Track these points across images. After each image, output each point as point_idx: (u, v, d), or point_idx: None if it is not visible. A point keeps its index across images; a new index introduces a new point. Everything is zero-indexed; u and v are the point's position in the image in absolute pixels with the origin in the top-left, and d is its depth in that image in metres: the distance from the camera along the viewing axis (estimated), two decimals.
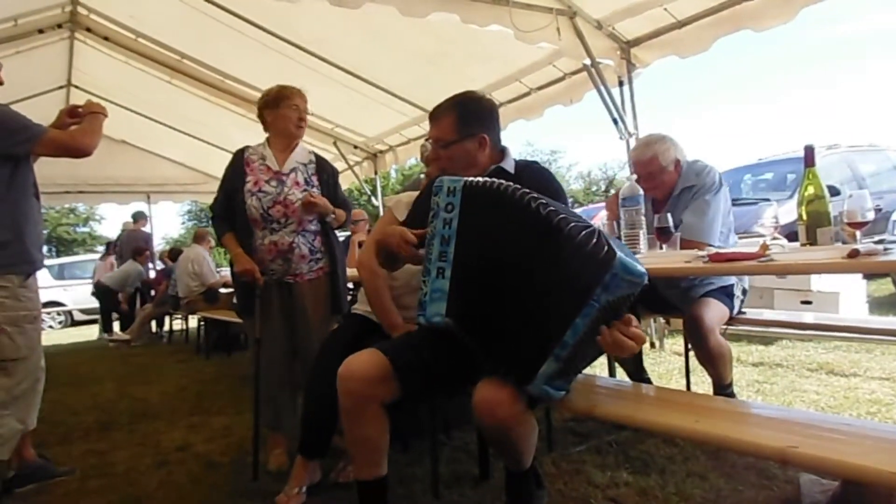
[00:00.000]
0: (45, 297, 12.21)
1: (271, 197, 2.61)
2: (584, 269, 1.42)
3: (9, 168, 2.29)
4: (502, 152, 2.00)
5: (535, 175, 1.92)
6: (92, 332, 9.41)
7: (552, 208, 1.49)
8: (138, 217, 9.35)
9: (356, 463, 1.81)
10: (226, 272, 7.51)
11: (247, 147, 2.75)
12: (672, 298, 2.66)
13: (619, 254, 1.40)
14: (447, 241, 1.57)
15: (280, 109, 2.67)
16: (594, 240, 1.42)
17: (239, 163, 2.70)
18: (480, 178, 1.60)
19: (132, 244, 8.81)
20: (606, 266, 1.39)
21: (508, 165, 1.95)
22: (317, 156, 2.83)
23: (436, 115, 1.95)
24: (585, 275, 1.41)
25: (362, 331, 2.35)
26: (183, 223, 36.17)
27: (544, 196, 1.55)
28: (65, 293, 13.21)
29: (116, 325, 8.70)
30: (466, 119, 1.91)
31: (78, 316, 13.17)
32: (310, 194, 2.62)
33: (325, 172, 2.78)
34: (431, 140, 1.97)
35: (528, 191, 1.53)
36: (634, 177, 2.40)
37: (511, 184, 1.56)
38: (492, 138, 1.94)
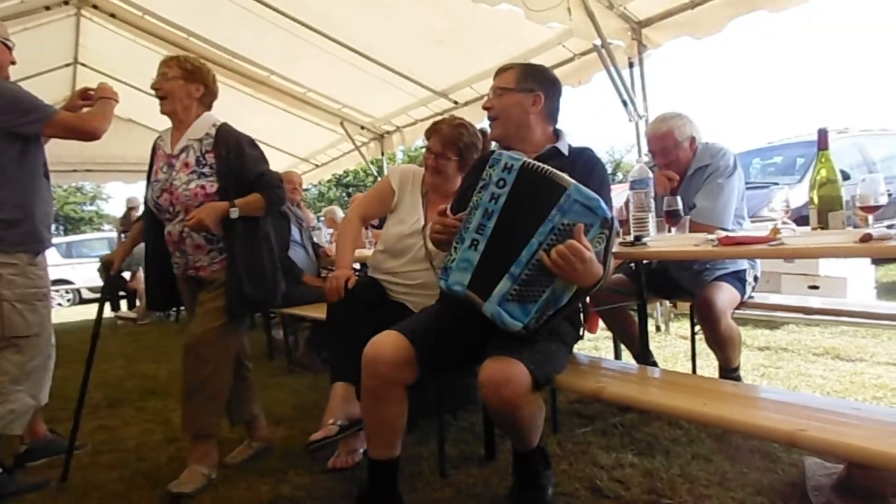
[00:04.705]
0: (53, 275, 12.26)
1: (160, 185, 2.32)
2: (548, 195, 1.53)
3: (19, 147, 2.31)
4: (557, 135, 2.01)
5: (588, 163, 1.93)
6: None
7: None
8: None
9: (372, 443, 1.83)
10: None
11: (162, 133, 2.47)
12: (683, 281, 2.66)
13: (575, 182, 1.53)
14: (489, 216, 1.58)
15: None
16: (560, 173, 1.55)
17: (152, 152, 2.45)
18: (538, 163, 1.60)
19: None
20: (563, 188, 1.51)
21: (563, 147, 1.97)
22: (222, 128, 2.36)
23: (501, 69, 2.00)
24: (548, 199, 1.52)
25: (378, 287, 2.42)
26: None
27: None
28: (73, 271, 13.30)
29: (123, 304, 8.74)
30: (527, 75, 1.96)
31: (86, 294, 13.27)
32: (187, 218, 2.20)
33: (223, 147, 2.30)
34: (491, 90, 2.00)
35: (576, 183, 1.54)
36: (644, 159, 2.39)
37: (561, 174, 1.56)
38: (547, 104, 1.96)
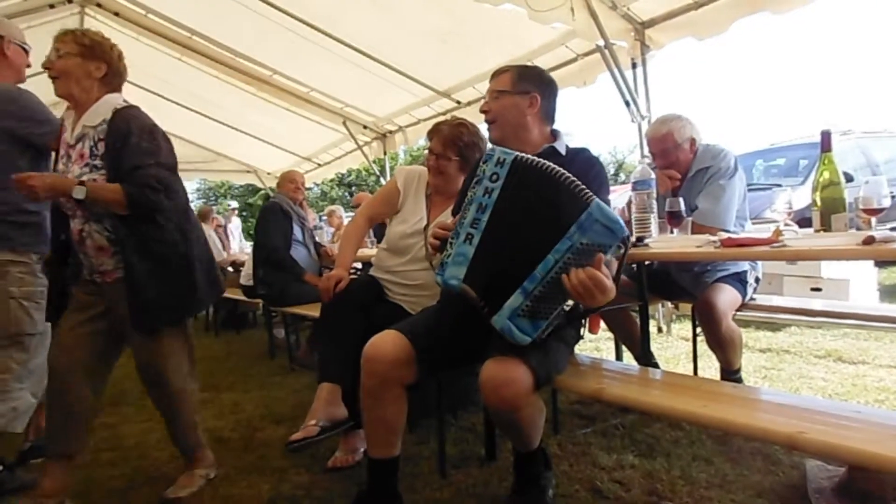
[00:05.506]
0: None
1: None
2: (567, 209, 1.49)
3: (30, 154, 2.36)
4: (554, 135, 2.02)
5: (586, 163, 1.93)
6: None
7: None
8: None
9: (371, 442, 1.83)
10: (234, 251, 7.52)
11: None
12: (684, 283, 2.66)
13: (598, 199, 1.50)
14: (483, 210, 1.58)
15: None
16: (581, 186, 1.52)
17: (59, 134, 2.19)
18: (530, 156, 1.61)
19: None
20: (584, 205, 1.48)
21: (561, 147, 1.98)
22: (118, 113, 2.05)
23: (497, 71, 2.01)
24: (566, 214, 1.49)
25: (374, 288, 2.42)
26: (192, 201, 36.26)
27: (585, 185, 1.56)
28: None
29: None
30: (523, 77, 1.97)
31: None
32: (14, 177, 1.90)
33: (113, 135, 2.00)
34: (488, 93, 2.00)
35: (571, 176, 1.54)
36: (647, 160, 2.39)
37: (557, 167, 1.56)
38: (543, 105, 1.96)
